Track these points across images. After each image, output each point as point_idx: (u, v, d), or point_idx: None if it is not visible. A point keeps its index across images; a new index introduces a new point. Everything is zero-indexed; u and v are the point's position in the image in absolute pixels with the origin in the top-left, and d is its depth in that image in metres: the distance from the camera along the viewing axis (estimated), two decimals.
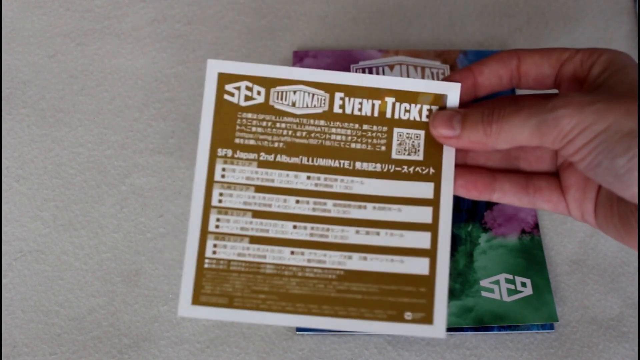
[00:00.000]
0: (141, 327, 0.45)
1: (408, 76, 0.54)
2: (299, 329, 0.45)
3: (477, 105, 0.38)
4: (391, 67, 0.54)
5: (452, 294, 0.46)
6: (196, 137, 0.51)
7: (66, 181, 0.50)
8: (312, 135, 0.37)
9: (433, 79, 0.54)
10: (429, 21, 0.57)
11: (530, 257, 0.48)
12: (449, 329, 0.45)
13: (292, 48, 0.55)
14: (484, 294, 0.46)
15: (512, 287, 0.47)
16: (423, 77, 0.54)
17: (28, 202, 0.49)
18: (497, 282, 0.47)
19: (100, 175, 0.50)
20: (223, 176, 0.36)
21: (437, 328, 0.35)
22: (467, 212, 0.49)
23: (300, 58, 0.54)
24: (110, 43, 0.55)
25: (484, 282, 0.47)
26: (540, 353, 0.45)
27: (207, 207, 0.35)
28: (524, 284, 0.47)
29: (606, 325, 0.47)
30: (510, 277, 0.47)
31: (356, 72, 0.54)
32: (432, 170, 0.37)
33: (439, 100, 0.37)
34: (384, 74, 0.54)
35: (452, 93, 0.37)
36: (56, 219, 0.48)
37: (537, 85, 0.37)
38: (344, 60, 0.54)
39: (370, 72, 0.54)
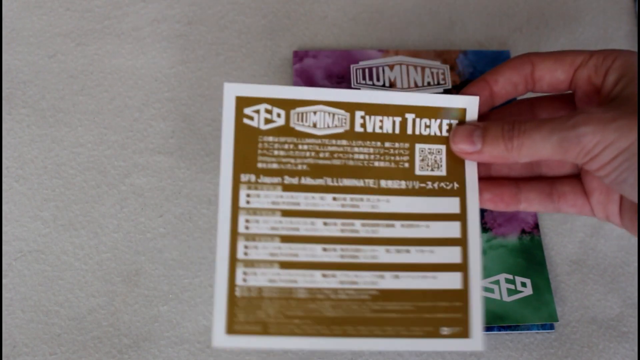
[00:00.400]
0: (141, 327, 0.45)
1: (408, 76, 0.54)
2: None
3: (495, 115, 0.39)
4: (391, 67, 0.54)
5: None
6: (196, 137, 0.51)
7: (66, 181, 0.50)
8: (335, 155, 0.36)
9: (433, 78, 0.54)
10: (429, 21, 0.57)
11: (530, 257, 0.48)
12: None
13: (292, 48, 0.55)
14: (484, 294, 0.46)
15: (512, 287, 0.47)
16: (423, 77, 0.54)
17: (28, 202, 0.49)
18: (497, 282, 0.47)
19: (100, 175, 0.50)
20: (248, 202, 0.35)
21: (475, 341, 0.35)
22: None
23: (300, 58, 0.54)
24: (110, 43, 0.55)
25: (484, 282, 0.47)
26: (540, 353, 0.45)
27: (234, 234, 0.35)
28: (524, 284, 0.47)
29: (606, 325, 0.47)
30: (510, 277, 0.47)
31: (356, 72, 0.54)
32: (456, 185, 0.37)
33: (458, 114, 0.37)
34: (384, 73, 0.54)
35: (471, 106, 0.37)
36: (56, 219, 0.48)
37: (552, 90, 0.37)
38: (343, 60, 0.54)
39: (370, 72, 0.54)
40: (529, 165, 0.39)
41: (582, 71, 0.35)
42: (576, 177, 0.38)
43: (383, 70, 0.54)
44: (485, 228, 0.49)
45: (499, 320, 0.45)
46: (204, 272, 0.47)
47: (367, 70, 0.54)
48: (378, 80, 0.54)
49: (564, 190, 0.38)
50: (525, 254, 0.48)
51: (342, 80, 0.54)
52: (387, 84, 0.54)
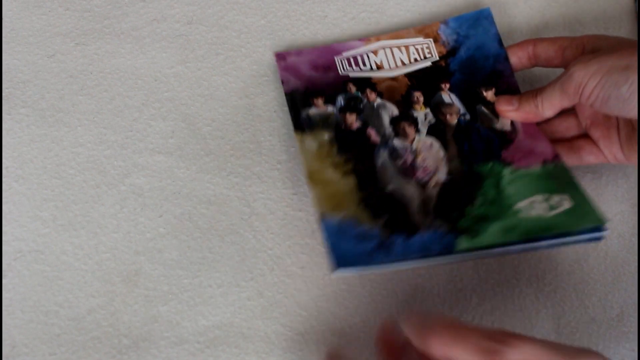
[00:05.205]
0: (141, 327, 0.45)
1: (393, 57, 0.54)
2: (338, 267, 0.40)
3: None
4: (375, 53, 0.54)
5: (489, 219, 0.43)
6: (196, 137, 0.51)
7: (65, 181, 0.50)
8: None
9: (419, 54, 0.54)
10: (428, 22, 0.57)
11: (559, 180, 0.45)
12: (495, 246, 0.42)
13: (291, 48, 0.55)
14: (521, 214, 0.43)
15: (550, 203, 0.43)
16: (409, 55, 0.54)
17: (27, 202, 0.49)
18: (532, 205, 0.44)
19: (99, 175, 0.50)
20: None
21: None
22: (483, 152, 0.48)
23: (283, 57, 0.54)
24: (109, 43, 0.55)
25: (518, 204, 0.44)
26: None
27: None
28: (561, 199, 0.43)
29: (606, 325, 0.47)
30: (545, 196, 0.44)
31: (341, 62, 0.54)
32: None
33: None
34: (369, 59, 0.54)
35: None
36: (55, 219, 0.48)
37: (548, 64, 0.50)
38: (327, 54, 0.54)
39: (355, 60, 0.54)
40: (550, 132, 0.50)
41: (568, 51, 0.48)
42: (586, 135, 0.49)
43: (368, 56, 0.54)
44: (506, 163, 0.47)
45: (547, 230, 0.42)
46: (204, 272, 0.47)
47: (352, 59, 0.54)
48: (364, 65, 0.54)
49: (579, 144, 0.48)
50: (553, 177, 0.45)
51: (328, 69, 0.53)
52: (374, 68, 0.54)
